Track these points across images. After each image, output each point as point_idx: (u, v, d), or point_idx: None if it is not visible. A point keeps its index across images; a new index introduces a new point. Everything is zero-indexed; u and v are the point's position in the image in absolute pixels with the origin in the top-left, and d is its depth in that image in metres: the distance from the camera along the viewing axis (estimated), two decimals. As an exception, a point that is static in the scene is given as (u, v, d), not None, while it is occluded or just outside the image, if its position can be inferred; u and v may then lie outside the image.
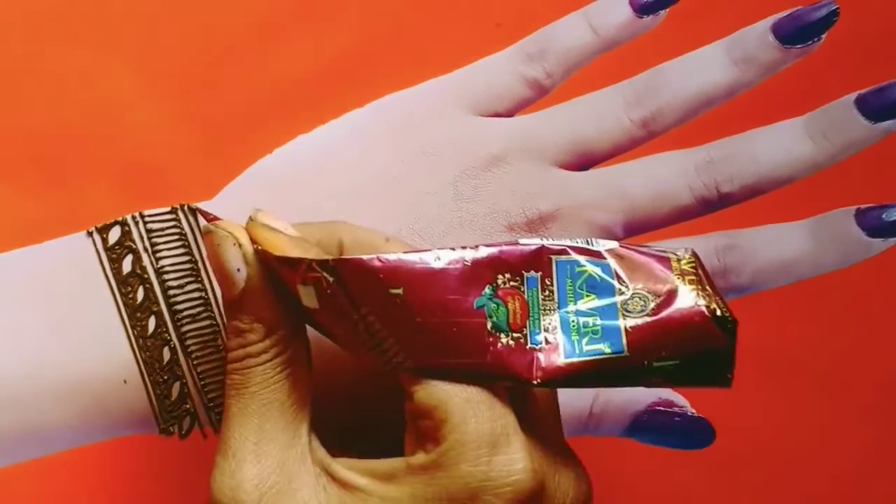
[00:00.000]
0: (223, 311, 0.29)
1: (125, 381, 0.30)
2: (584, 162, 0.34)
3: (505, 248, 0.25)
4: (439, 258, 0.24)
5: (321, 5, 0.41)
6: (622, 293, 0.25)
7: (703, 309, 0.25)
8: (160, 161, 0.41)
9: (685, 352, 0.25)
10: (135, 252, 0.31)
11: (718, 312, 0.25)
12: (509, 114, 0.34)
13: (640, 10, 0.34)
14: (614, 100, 0.34)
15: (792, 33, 0.33)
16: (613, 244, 0.26)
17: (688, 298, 0.25)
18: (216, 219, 0.28)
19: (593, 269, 0.25)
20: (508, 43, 0.35)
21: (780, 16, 0.33)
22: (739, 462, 0.43)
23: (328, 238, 0.28)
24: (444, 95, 0.34)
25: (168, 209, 0.32)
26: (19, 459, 0.31)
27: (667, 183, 0.33)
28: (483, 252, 0.25)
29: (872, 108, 0.32)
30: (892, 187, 0.40)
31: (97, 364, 0.30)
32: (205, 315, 0.31)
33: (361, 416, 0.29)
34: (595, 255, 0.26)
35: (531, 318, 0.25)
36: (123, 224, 0.31)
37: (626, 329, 0.25)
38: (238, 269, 0.26)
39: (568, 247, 0.26)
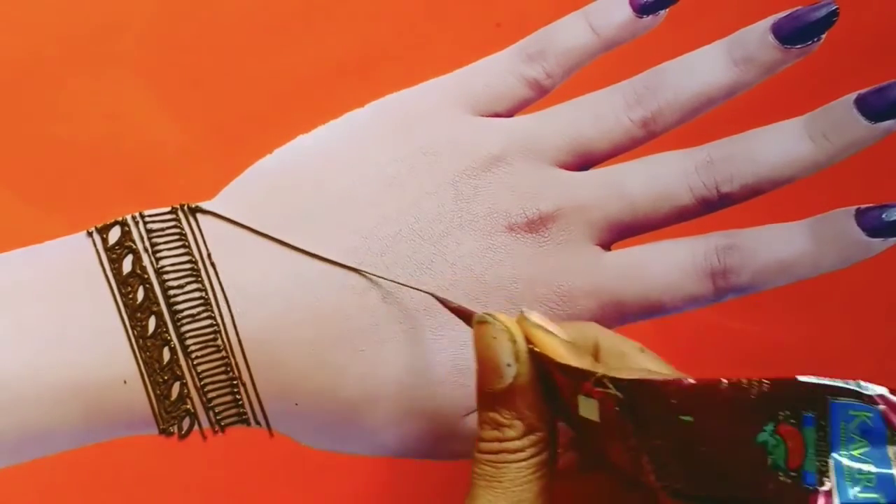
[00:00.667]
0: (477, 398, 0.28)
1: (125, 382, 0.30)
2: (584, 162, 0.34)
3: (785, 384, 0.25)
4: (723, 382, 0.24)
5: (321, 6, 0.41)
6: (894, 442, 0.25)
7: None
8: (160, 161, 0.41)
9: None
10: (135, 252, 0.31)
11: None
12: (509, 114, 0.34)
13: (640, 10, 0.34)
14: (614, 100, 0.34)
15: (792, 33, 0.33)
16: (883, 390, 0.26)
17: None
18: (467, 310, 0.29)
19: (866, 415, 0.25)
20: (508, 43, 0.35)
21: (779, 16, 0.33)
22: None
23: (583, 340, 0.28)
24: (444, 95, 0.34)
25: (168, 209, 0.32)
26: (20, 460, 0.31)
27: (667, 183, 0.33)
28: (766, 387, 0.25)
29: (872, 108, 0.32)
30: (892, 187, 0.40)
31: (97, 364, 0.30)
32: (205, 315, 0.31)
33: None
34: (868, 401, 0.25)
35: (807, 459, 0.25)
36: (123, 224, 0.31)
37: None
38: (508, 365, 0.26)
39: (842, 388, 0.25)
